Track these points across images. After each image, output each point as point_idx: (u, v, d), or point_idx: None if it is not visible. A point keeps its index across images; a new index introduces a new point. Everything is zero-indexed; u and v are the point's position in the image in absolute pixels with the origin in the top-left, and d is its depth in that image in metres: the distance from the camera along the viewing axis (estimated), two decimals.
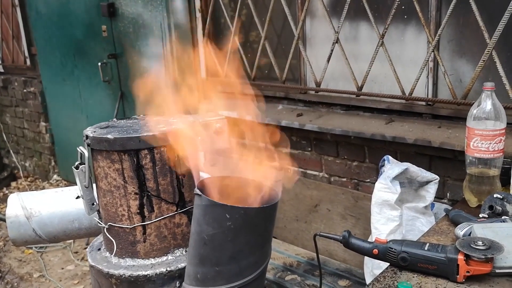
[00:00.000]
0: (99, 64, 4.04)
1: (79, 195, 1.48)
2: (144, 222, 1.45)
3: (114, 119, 1.58)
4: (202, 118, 1.46)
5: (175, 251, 1.51)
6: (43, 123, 5.32)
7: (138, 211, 1.45)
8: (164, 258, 1.49)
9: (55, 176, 5.42)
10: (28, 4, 4.81)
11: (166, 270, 1.45)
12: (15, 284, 3.54)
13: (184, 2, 3.41)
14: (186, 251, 1.53)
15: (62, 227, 1.76)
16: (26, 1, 4.85)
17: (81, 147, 1.45)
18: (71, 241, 4.02)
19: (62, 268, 3.69)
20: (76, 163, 1.45)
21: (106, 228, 1.49)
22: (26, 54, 5.23)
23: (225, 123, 1.46)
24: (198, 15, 3.40)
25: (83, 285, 3.43)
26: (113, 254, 1.49)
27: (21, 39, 5.22)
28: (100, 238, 1.65)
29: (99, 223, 1.52)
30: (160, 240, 1.49)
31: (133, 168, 1.40)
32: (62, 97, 4.80)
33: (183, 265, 1.46)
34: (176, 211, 1.48)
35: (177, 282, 1.44)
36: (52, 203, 1.78)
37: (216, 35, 3.43)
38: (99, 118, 4.38)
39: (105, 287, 1.48)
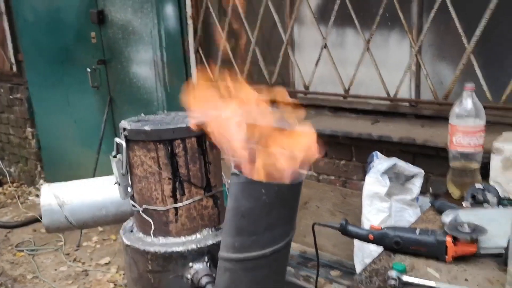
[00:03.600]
0: (88, 70, 4.05)
1: (116, 181, 1.62)
2: (177, 204, 1.60)
3: (142, 114, 1.72)
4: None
5: (203, 231, 1.66)
6: (29, 129, 5.31)
7: (171, 194, 1.59)
8: (194, 236, 1.64)
9: (41, 182, 5.40)
10: (15, 11, 4.80)
11: (196, 246, 1.60)
12: (9, 285, 3.55)
13: (175, 9, 3.48)
14: (212, 231, 1.68)
15: (91, 214, 1.89)
16: (13, 8, 4.86)
17: (117, 139, 1.58)
18: (62, 243, 4.06)
19: (55, 270, 3.73)
20: (113, 153, 1.58)
21: (142, 211, 1.62)
22: (13, 60, 5.23)
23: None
24: (190, 22, 3.47)
25: (77, 285, 3.47)
26: (151, 233, 1.63)
27: (7, 46, 5.23)
28: (130, 221, 1.79)
29: (134, 206, 1.65)
30: (190, 220, 1.63)
31: (167, 156, 1.55)
32: (49, 103, 4.78)
33: (210, 242, 1.61)
34: (204, 194, 1.63)
35: (206, 257, 1.59)
36: (81, 193, 1.91)
37: (207, 41, 3.51)
38: (87, 123, 4.41)
39: (140, 263, 1.61)
